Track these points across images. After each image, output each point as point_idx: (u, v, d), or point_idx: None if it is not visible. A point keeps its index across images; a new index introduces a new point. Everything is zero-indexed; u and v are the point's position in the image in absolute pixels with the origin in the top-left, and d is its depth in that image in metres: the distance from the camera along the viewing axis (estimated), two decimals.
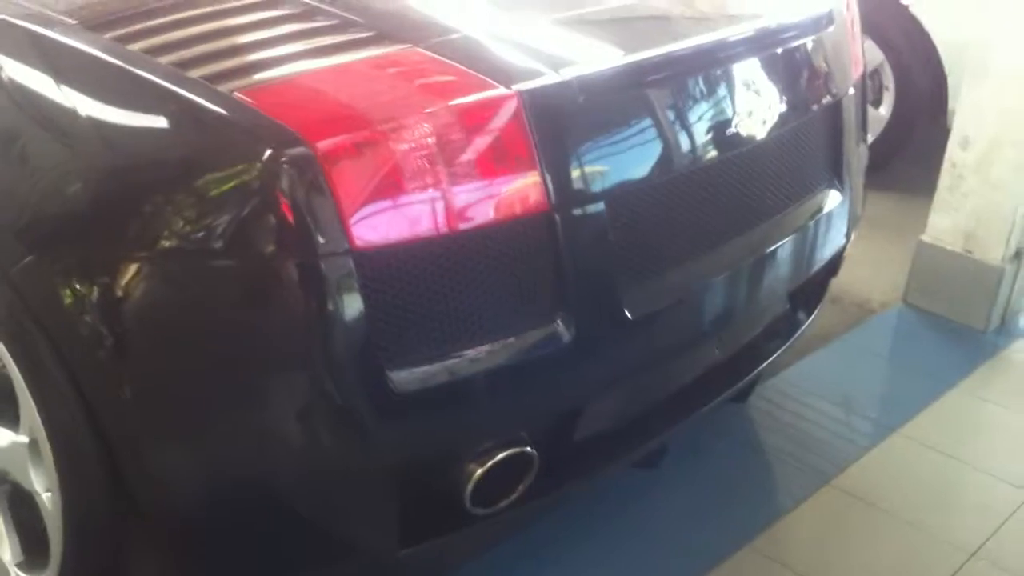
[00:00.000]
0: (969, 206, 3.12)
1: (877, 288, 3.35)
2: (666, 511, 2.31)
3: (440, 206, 1.46)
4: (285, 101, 1.43)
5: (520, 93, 1.52)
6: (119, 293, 1.46)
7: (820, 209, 2.15)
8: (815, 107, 2.09)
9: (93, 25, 1.56)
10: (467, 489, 1.59)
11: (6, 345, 1.58)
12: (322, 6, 1.66)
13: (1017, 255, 3.11)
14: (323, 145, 1.38)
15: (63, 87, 1.54)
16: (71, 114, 1.52)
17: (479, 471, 1.59)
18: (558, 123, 1.57)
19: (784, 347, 2.24)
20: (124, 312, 1.47)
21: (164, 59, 1.49)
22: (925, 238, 3.23)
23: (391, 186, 1.42)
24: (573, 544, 2.18)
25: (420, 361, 1.50)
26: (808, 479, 2.46)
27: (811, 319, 2.37)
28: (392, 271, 1.44)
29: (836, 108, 2.19)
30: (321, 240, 1.39)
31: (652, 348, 1.78)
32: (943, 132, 3.98)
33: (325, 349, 1.43)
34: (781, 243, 2.02)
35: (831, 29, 2.15)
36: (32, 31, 1.57)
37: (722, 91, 1.83)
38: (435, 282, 1.49)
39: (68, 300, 1.49)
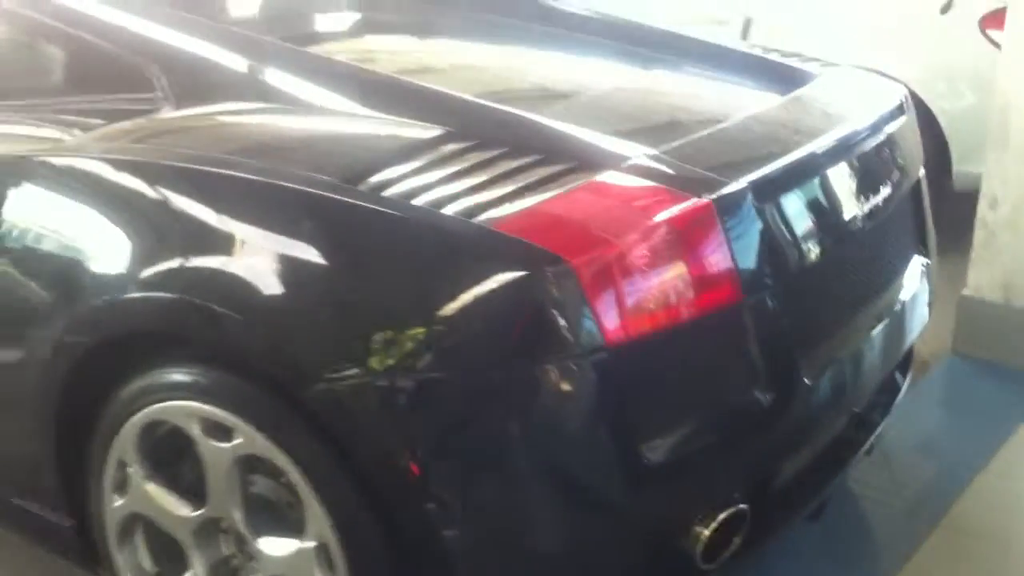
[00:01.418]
0: (1005, 260, 3.44)
1: (925, 342, 3.63)
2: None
3: (666, 302, 1.72)
4: (536, 227, 1.69)
5: (713, 201, 1.80)
6: (412, 406, 1.70)
7: (917, 275, 2.45)
8: (908, 184, 2.39)
9: (349, 179, 1.82)
10: (698, 548, 1.83)
11: (294, 461, 1.79)
12: (522, 143, 1.93)
13: None
14: (578, 261, 1.65)
15: (347, 235, 1.80)
16: (357, 256, 1.77)
17: (707, 531, 1.83)
18: (740, 223, 1.84)
19: (897, 400, 2.51)
20: (416, 424, 1.70)
21: (418, 201, 1.75)
22: (966, 292, 3.55)
23: (630, 290, 1.69)
24: None
25: (662, 435, 1.75)
26: (918, 524, 2.69)
27: (910, 375, 2.64)
28: (636, 361, 1.70)
29: (918, 184, 2.50)
30: (583, 340, 1.65)
31: (821, 408, 2.04)
32: (949, 193, 4.37)
33: (594, 430, 1.69)
34: (898, 307, 2.30)
35: (907, 116, 2.47)
36: (308, 193, 1.82)
37: (851, 178, 2.13)
38: (667, 366, 1.75)
39: (360, 416, 1.72)
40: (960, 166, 4.36)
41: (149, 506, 2.04)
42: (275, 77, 2.21)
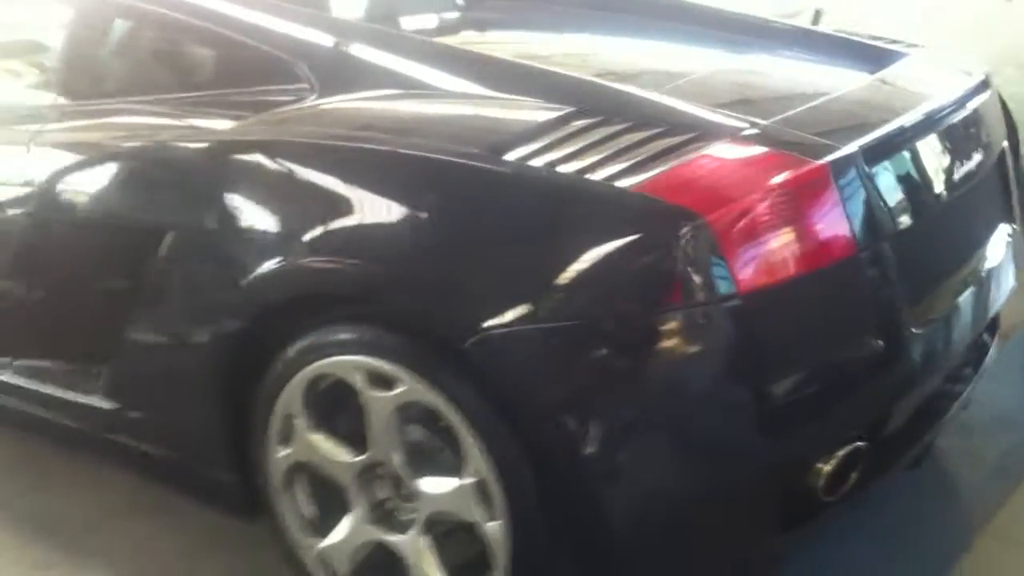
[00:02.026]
0: None
1: (1003, 316, 3.78)
2: (858, 552, 2.61)
3: (790, 254, 1.91)
4: (673, 188, 1.89)
5: (827, 163, 1.98)
6: (564, 350, 1.90)
7: (1005, 241, 2.61)
8: (994, 155, 2.56)
9: (495, 151, 2.03)
10: (821, 482, 2.01)
11: (454, 405, 2.00)
12: (644, 118, 2.12)
13: None
14: (712, 217, 1.84)
15: (499, 200, 2.02)
16: (509, 219, 1.99)
17: (829, 467, 2.01)
18: (851, 184, 2.03)
19: (987, 360, 2.67)
20: (567, 367, 1.90)
21: (564, 168, 1.95)
22: None
23: (757, 243, 1.88)
24: None
25: (788, 377, 1.94)
26: (1001, 484, 2.87)
27: (996, 338, 2.80)
28: (764, 308, 1.89)
29: (1003, 155, 2.67)
30: (718, 289, 1.85)
31: (924, 357, 2.21)
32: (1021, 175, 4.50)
33: (729, 372, 1.89)
34: (988, 269, 2.47)
35: (991, 91, 2.64)
36: (460, 164, 2.04)
37: (944, 147, 2.31)
38: (792, 314, 1.94)
39: (517, 362, 1.92)
40: None
41: (314, 454, 2.25)
42: (408, 66, 2.42)
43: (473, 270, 1.99)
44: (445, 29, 3.12)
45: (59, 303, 2.71)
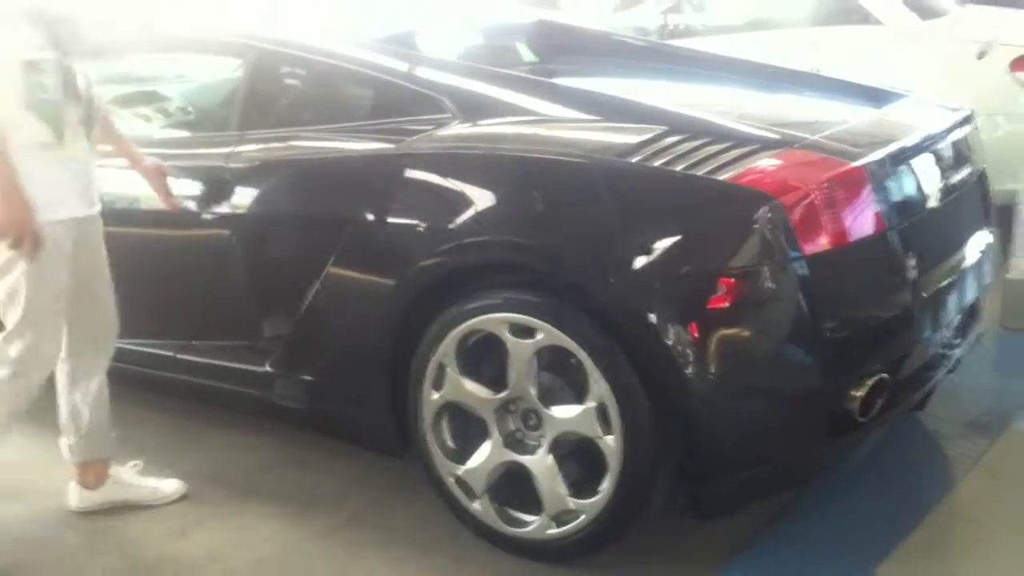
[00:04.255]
0: None
1: None
2: (841, 506, 3.10)
3: (839, 227, 2.61)
4: (756, 180, 2.58)
5: (863, 165, 2.70)
6: (674, 297, 2.57)
7: (984, 242, 3.32)
8: (977, 172, 3.29)
9: (620, 156, 2.74)
10: (856, 405, 2.68)
11: (583, 347, 2.64)
12: (718, 135, 2.82)
13: None
14: (784, 199, 2.54)
15: (629, 189, 2.71)
16: (636, 202, 2.67)
17: (861, 393, 2.67)
18: (881, 180, 2.73)
19: (970, 336, 3.35)
20: (678, 310, 2.56)
21: (678, 168, 2.64)
22: (1010, 276, 4.42)
23: (816, 218, 2.57)
24: None
25: (836, 320, 2.63)
26: (961, 463, 3.42)
27: (982, 316, 3.49)
28: (821, 268, 2.57)
29: (983, 175, 3.40)
30: (790, 251, 2.54)
31: (929, 316, 2.90)
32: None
33: (796, 315, 2.57)
34: (973, 260, 3.17)
35: (973, 124, 3.38)
36: (598, 163, 2.76)
37: (942, 160, 3.03)
38: (840, 273, 2.63)
39: (642, 312, 2.57)
40: (997, 185, 5.22)
41: (462, 394, 2.89)
42: (529, 100, 3.12)
43: (605, 241, 2.66)
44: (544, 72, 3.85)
45: (243, 289, 3.36)
